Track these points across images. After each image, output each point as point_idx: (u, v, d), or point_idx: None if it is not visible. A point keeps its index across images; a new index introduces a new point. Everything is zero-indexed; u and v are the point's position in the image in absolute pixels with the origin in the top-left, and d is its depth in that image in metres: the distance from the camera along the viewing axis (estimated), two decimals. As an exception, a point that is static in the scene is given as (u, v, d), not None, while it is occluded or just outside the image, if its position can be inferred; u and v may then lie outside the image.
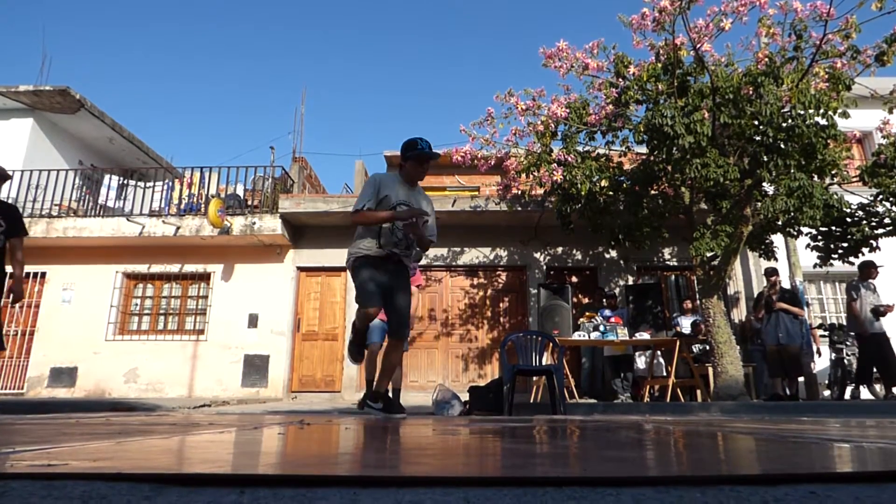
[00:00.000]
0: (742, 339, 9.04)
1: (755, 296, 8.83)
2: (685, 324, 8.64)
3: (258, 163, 27.71)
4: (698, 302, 8.18)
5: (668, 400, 7.59)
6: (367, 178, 4.23)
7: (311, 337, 10.51)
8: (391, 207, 3.97)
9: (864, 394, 8.76)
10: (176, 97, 73.73)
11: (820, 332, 9.46)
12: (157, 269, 10.68)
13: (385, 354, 4.36)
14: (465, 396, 5.95)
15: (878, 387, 8.42)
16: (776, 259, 8.90)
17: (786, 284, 9.84)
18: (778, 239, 9.27)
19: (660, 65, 7.67)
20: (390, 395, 4.48)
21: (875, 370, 7.91)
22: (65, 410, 5.69)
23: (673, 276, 10.59)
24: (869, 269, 7.95)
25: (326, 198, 10.71)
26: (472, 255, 10.59)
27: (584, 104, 8.15)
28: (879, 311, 7.64)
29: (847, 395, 8.76)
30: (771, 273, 8.10)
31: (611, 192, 8.34)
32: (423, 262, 10.27)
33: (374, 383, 4.35)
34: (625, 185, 8.39)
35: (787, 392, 7.83)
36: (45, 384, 10.19)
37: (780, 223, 7.65)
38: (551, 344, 6.36)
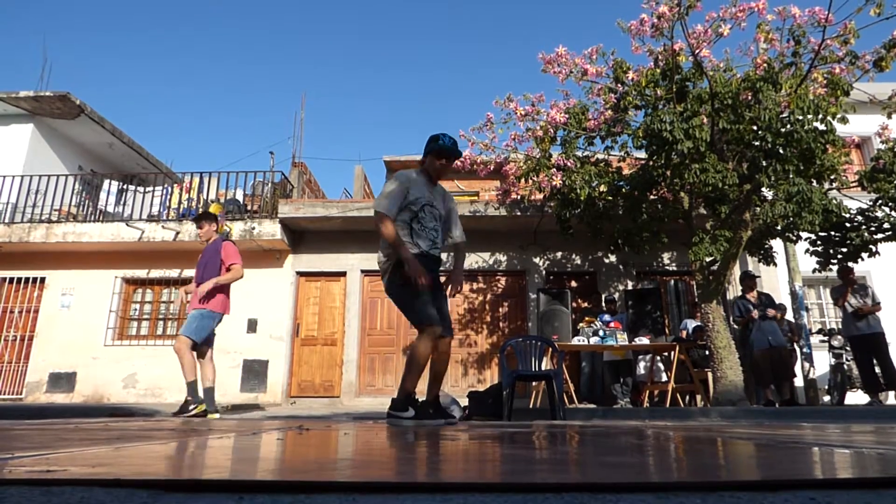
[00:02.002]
0: (741, 344, 9.03)
1: (733, 299, 8.79)
2: (692, 327, 8.61)
3: (258, 168, 27.62)
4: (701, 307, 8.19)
5: (667, 405, 7.58)
6: (393, 176, 3.92)
7: (310, 342, 10.50)
8: (420, 207, 3.76)
9: (852, 399, 8.73)
10: (176, 102, 73.88)
11: (820, 337, 9.45)
12: (156, 274, 10.67)
13: (435, 359, 3.89)
14: (464, 402, 5.94)
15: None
16: (775, 264, 8.90)
17: (785, 290, 9.85)
18: (777, 244, 9.27)
19: (658, 70, 7.69)
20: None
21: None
22: (63, 416, 5.68)
23: (672, 281, 10.59)
24: (844, 275, 7.97)
25: (326, 203, 10.71)
26: (472, 260, 10.58)
27: (583, 109, 8.18)
28: (857, 314, 7.64)
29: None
30: (750, 278, 8.11)
31: (610, 197, 8.35)
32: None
33: (428, 391, 3.94)
34: (624, 190, 8.40)
35: (790, 396, 7.80)
36: (43, 389, 10.17)
37: (779, 228, 7.65)
38: (551, 349, 6.36)
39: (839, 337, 8.80)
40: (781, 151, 6.87)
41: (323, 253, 10.65)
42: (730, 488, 0.85)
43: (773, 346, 7.63)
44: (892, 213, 7.87)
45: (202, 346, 5.57)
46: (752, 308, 7.87)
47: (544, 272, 10.61)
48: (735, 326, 8.45)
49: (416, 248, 3.72)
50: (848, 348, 8.56)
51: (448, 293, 3.88)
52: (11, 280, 10.68)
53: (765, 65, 7.30)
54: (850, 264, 8.09)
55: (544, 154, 8.25)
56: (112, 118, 14.18)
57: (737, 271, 10.12)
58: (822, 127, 6.94)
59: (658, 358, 8.64)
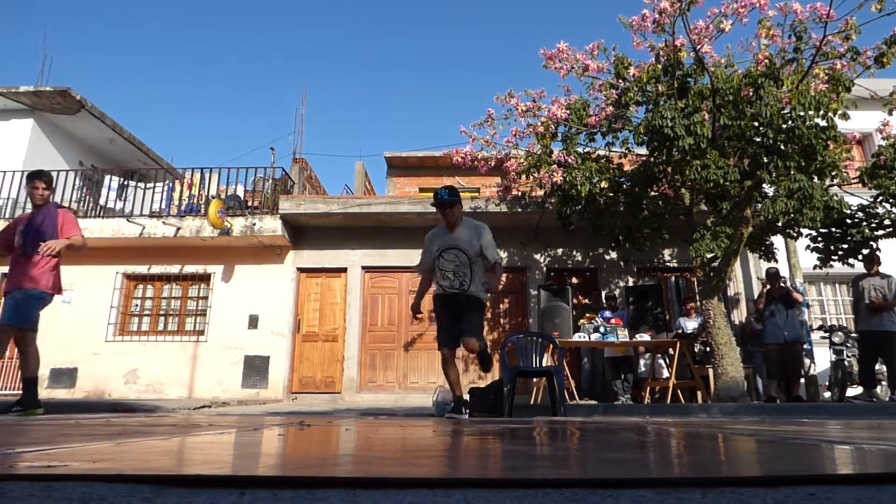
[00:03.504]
0: (742, 341, 9.03)
1: (756, 296, 8.78)
2: (689, 326, 8.60)
3: (258, 164, 27.72)
4: (699, 303, 8.18)
5: (668, 401, 7.58)
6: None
7: (311, 338, 10.51)
8: (438, 255, 4.73)
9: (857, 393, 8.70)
10: (176, 98, 73.84)
11: (821, 333, 9.44)
12: (157, 269, 10.68)
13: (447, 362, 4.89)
14: (465, 398, 5.93)
15: (879, 388, 8.35)
16: (776, 260, 8.89)
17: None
18: (778, 240, 9.26)
19: (660, 66, 7.67)
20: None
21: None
22: (65, 411, 5.69)
23: (673, 278, 10.58)
24: (867, 263, 7.89)
25: (327, 199, 10.71)
26: (473, 257, 10.56)
27: (585, 105, 8.15)
28: (871, 307, 7.54)
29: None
30: (774, 274, 8.08)
31: (611, 194, 8.33)
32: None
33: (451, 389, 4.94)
34: (625, 186, 8.38)
35: (791, 394, 7.79)
36: (44, 385, 10.17)
37: (780, 224, 7.64)
38: (551, 345, 6.36)
39: (840, 333, 8.79)
40: (783, 147, 6.86)
41: (324, 249, 10.65)
42: (731, 484, 0.85)
43: (787, 343, 7.59)
44: (893, 209, 7.85)
45: (30, 331, 4.79)
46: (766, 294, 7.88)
47: (545, 269, 10.61)
48: (742, 317, 8.42)
49: (440, 288, 4.83)
50: (849, 344, 8.55)
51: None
52: (12, 276, 10.68)
53: (766, 61, 7.28)
54: (870, 252, 7.95)
55: (545, 150, 8.23)
56: (113, 114, 14.17)
57: (738, 268, 10.14)
58: (823, 123, 6.92)
59: (659, 354, 8.64)
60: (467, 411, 4.91)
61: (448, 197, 4.66)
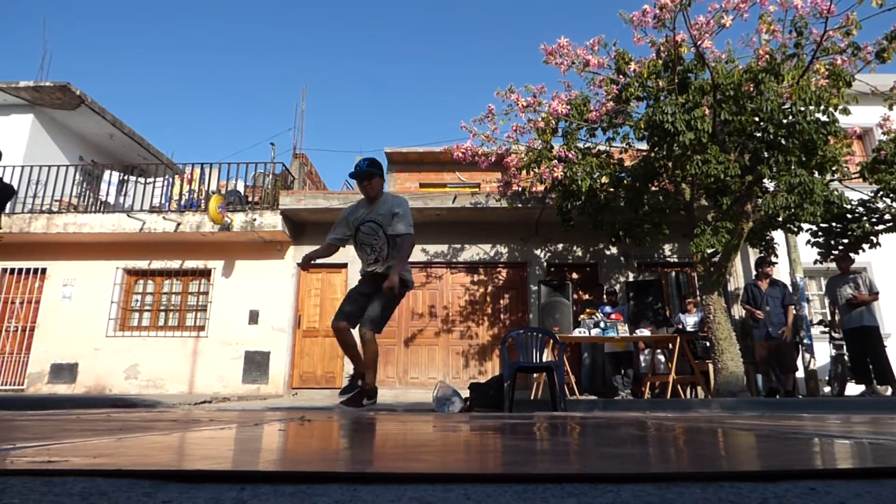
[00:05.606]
0: (742, 336, 9.04)
1: (744, 287, 8.75)
2: (689, 321, 8.60)
3: (259, 159, 27.66)
4: (699, 298, 8.19)
5: (668, 396, 7.60)
6: None
7: (311, 333, 10.51)
8: (357, 227, 4.52)
9: (854, 390, 8.70)
10: (176, 93, 73.68)
11: (821, 328, 9.44)
12: (157, 265, 10.68)
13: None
14: (465, 393, 5.95)
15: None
16: (776, 255, 8.89)
17: (786, 281, 9.82)
18: (778, 235, 9.26)
19: (660, 61, 7.65)
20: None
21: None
22: (65, 407, 5.70)
23: (673, 273, 10.58)
24: (841, 263, 7.92)
25: (327, 194, 10.70)
26: (473, 252, 10.58)
27: (585, 101, 8.14)
28: (851, 303, 7.58)
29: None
30: (767, 264, 8.04)
31: (611, 189, 8.33)
32: (424, 258, 10.28)
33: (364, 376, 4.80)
34: (625, 181, 8.38)
35: (791, 388, 7.79)
36: (45, 380, 10.20)
37: (780, 219, 7.64)
38: (552, 340, 6.36)
39: (838, 328, 8.78)
40: (783, 142, 6.85)
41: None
42: (730, 478, 0.85)
43: (772, 338, 7.61)
44: (894, 204, 7.85)
45: None
46: (759, 297, 7.82)
47: (545, 264, 10.61)
48: (742, 312, 8.39)
49: (364, 267, 4.63)
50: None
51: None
52: (12, 271, 10.69)
53: (767, 56, 7.26)
54: (850, 255, 8.04)
55: (546, 145, 8.22)
56: (113, 109, 14.14)
57: (738, 263, 10.13)
58: (823, 118, 6.91)
59: (659, 350, 8.64)
60: (375, 396, 4.74)
61: (367, 168, 4.37)
